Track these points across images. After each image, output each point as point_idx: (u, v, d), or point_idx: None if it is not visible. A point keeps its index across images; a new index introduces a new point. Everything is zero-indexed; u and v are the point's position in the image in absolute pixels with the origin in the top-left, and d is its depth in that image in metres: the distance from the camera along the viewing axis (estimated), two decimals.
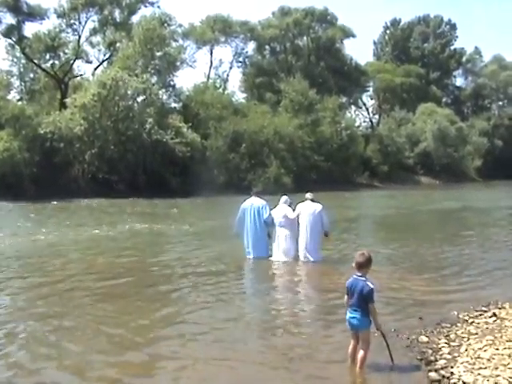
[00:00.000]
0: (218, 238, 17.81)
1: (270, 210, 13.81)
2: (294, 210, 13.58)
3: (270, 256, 13.65)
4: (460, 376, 5.78)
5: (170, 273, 12.42)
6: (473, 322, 8.05)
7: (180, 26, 58.02)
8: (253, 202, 13.99)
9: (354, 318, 6.37)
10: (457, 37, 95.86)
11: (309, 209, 13.36)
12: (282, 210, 13.69)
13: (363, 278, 6.37)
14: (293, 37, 72.71)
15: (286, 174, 47.52)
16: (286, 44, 72.91)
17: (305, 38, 73.57)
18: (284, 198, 14.06)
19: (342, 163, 57.01)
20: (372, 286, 6.32)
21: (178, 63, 52.60)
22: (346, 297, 6.51)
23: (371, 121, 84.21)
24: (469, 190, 53.79)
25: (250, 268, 13.53)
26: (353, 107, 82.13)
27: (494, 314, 8.32)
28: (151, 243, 17.77)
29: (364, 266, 6.39)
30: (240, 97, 66.70)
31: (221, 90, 61.47)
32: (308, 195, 13.70)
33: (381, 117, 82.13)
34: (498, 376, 5.67)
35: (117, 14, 56.23)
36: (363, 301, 6.28)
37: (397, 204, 35.93)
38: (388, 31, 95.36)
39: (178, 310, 9.34)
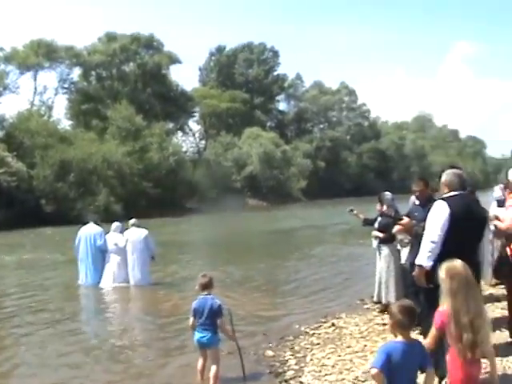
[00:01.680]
0: (41, 268, 18.73)
1: (103, 235, 14.64)
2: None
3: (103, 281, 14.42)
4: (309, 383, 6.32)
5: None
6: (314, 333, 8.70)
7: (1, 49, 58.14)
8: (89, 229, 14.83)
9: (203, 337, 6.72)
10: (279, 63, 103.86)
11: (135, 235, 14.23)
12: (113, 237, 14.49)
13: (210, 296, 6.82)
14: (119, 63, 73.62)
15: (116, 201, 48.82)
16: (112, 70, 73.64)
17: (131, 63, 74.86)
18: (115, 224, 14.79)
19: (170, 189, 58.90)
20: (219, 302, 6.83)
21: (1, 89, 52.82)
22: (191, 319, 6.83)
23: (198, 146, 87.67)
24: (295, 210, 57.52)
25: (84, 295, 14.12)
26: (179, 133, 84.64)
27: (333, 324, 9.11)
28: None
29: (208, 285, 6.87)
30: (66, 124, 66.89)
31: (46, 118, 61.62)
32: (132, 221, 14.59)
33: (207, 142, 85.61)
34: (343, 379, 6.30)
35: None
36: (214, 318, 6.69)
37: (227, 227, 37.60)
38: (213, 57, 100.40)
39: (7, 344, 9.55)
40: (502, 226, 6.95)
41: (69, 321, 11.13)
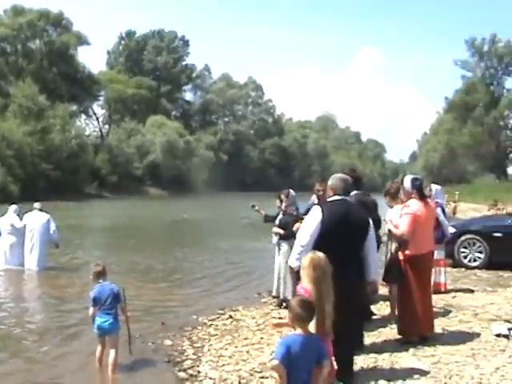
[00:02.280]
0: None
1: None
2: (21, 220, 13.95)
3: None
4: (206, 373, 6.33)
5: None
6: (212, 324, 8.67)
7: None
8: None
9: (105, 321, 6.62)
10: (189, 53, 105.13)
11: (37, 218, 13.90)
12: (9, 218, 13.96)
13: (107, 282, 6.82)
14: (25, 38, 71.84)
15: (14, 182, 47.68)
16: (17, 45, 71.80)
17: (38, 41, 73.22)
18: (13, 206, 14.26)
19: (71, 172, 58.21)
20: (118, 287, 6.84)
21: None
22: (91, 308, 6.70)
23: (101, 130, 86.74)
24: (198, 202, 57.30)
25: None
26: (83, 116, 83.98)
27: (231, 316, 9.07)
28: None
29: (102, 273, 6.85)
30: None
31: None
32: (36, 205, 14.25)
33: (111, 127, 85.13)
34: (239, 370, 6.35)
35: None
36: (115, 303, 6.69)
37: (127, 214, 37.09)
38: (123, 42, 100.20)
39: None
40: (396, 232, 7.30)
41: None
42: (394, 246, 7.65)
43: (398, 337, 7.19)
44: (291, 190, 10.23)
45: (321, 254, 4.96)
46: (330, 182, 5.95)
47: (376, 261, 5.85)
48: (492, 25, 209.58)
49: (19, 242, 13.82)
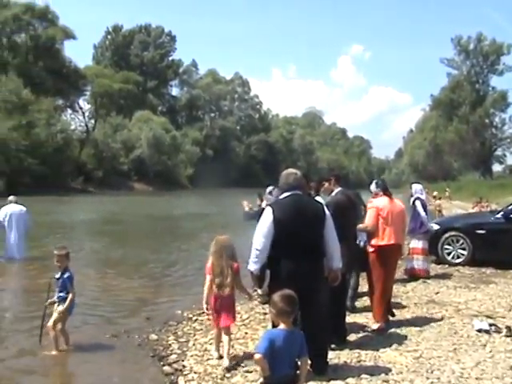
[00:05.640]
0: None
1: None
2: None
3: None
4: (191, 367, 6.40)
5: None
6: (197, 319, 8.69)
7: None
8: None
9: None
10: (175, 48, 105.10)
11: (15, 210, 14.42)
12: None
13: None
14: (10, 32, 71.66)
15: None
16: (2, 39, 71.54)
17: (23, 34, 72.97)
18: None
19: (56, 167, 58.38)
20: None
21: None
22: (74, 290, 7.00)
23: (87, 125, 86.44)
24: (183, 197, 57.26)
25: None
26: (69, 110, 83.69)
27: None
28: None
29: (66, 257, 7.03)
30: None
31: None
32: (11, 198, 14.78)
33: (97, 122, 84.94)
34: None
35: None
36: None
37: (110, 210, 37.03)
38: (109, 36, 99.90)
39: None
40: (360, 226, 7.71)
41: None
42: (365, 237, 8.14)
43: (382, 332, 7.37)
44: (270, 187, 10.22)
45: (224, 236, 6.64)
46: (279, 181, 6.02)
47: (337, 249, 5.81)
48: (478, 23, 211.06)
49: None
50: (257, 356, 4.40)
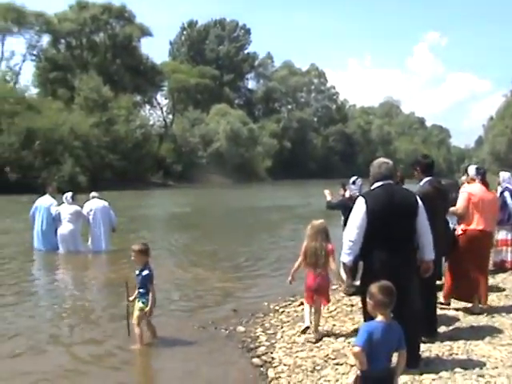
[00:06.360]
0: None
1: (57, 206, 15.14)
2: (81, 207, 15.09)
3: (57, 249, 14.92)
4: (281, 360, 6.36)
5: None
6: (283, 311, 8.73)
7: None
8: (44, 201, 15.45)
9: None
10: (251, 41, 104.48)
11: (99, 205, 15.09)
12: (68, 206, 14.92)
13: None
14: (90, 32, 73.01)
15: (82, 172, 48.60)
16: (82, 39, 72.96)
17: (102, 34, 74.36)
18: (68, 194, 15.09)
19: (136, 162, 59.30)
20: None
21: None
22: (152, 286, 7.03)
23: (165, 120, 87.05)
24: (262, 189, 57.76)
25: (40, 260, 14.60)
26: (147, 106, 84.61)
27: (302, 303, 8.75)
28: None
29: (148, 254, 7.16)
30: (33, 92, 65.50)
31: (12, 84, 60.81)
32: (94, 193, 15.47)
33: (175, 116, 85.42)
34: (314, 356, 6.31)
35: None
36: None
37: (192, 202, 37.58)
38: (185, 32, 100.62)
39: None
40: (452, 209, 7.61)
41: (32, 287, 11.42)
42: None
43: (474, 324, 7.18)
44: (354, 177, 10.03)
45: (319, 221, 7.29)
46: (370, 171, 5.92)
47: (430, 240, 5.73)
48: None
49: (78, 227, 15.02)
50: (356, 349, 4.28)
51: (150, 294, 6.92)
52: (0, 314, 8.89)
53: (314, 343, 6.73)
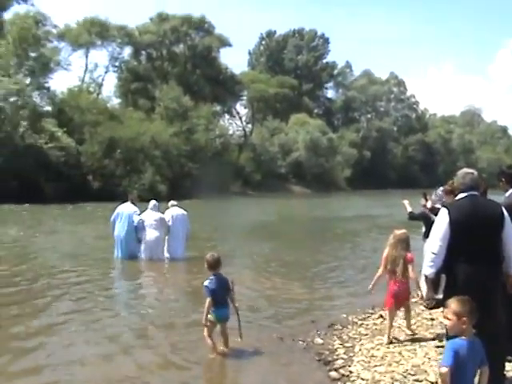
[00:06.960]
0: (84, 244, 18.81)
1: (139, 214, 15.19)
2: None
3: (138, 257, 15.08)
4: (358, 374, 6.24)
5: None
6: (362, 323, 8.59)
7: (55, 26, 57.64)
8: (126, 208, 15.48)
9: (226, 312, 7.07)
10: (329, 50, 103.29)
11: (179, 213, 15.17)
12: (153, 214, 15.08)
13: (222, 274, 7.17)
14: (170, 43, 74.10)
15: (162, 181, 48.87)
16: (162, 50, 74.19)
17: (182, 45, 75.32)
18: (152, 202, 15.37)
19: (215, 171, 58.38)
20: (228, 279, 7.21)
21: (53, 65, 51.96)
22: (208, 299, 6.91)
23: (244, 130, 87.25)
24: (341, 199, 56.75)
25: (121, 267, 14.70)
26: (226, 116, 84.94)
27: (381, 316, 8.88)
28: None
29: (218, 264, 7.14)
30: (114, 102, 67.38)
31: (95, 95, 62.16)
32: (173, 202, 15.76)
33: (254, 126, 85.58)
34: (392, 371, 6.19)
35: None
36: (228, 293, 7.08)
37: (273, 212, 37.25)
38: (263, 42, 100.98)
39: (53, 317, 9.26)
40: None
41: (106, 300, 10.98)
42: None
43: None
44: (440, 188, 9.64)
45: (401, 230, 7.53)
46: (455, 182, 5.78)
47: None
48: None
49: (161, 234, 15.03)
50: (443, 369, 4.16)
51: (206, 303, 6.95)
52: (95, 322, 8.87)
53: (413, 335, 7.27)
